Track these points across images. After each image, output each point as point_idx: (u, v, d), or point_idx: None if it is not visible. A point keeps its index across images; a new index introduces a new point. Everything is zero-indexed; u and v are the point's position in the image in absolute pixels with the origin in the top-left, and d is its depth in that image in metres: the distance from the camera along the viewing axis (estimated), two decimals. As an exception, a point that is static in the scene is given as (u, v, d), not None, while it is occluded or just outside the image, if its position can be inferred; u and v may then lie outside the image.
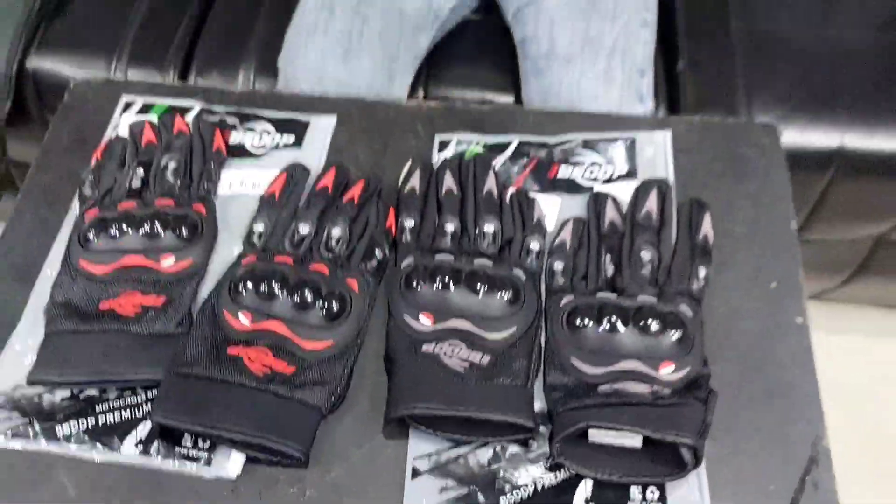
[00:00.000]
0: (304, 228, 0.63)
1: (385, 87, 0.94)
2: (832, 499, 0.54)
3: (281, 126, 0.73)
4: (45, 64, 1.13)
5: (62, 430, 0.56)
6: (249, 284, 0.59)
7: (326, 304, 0.59)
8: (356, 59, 0.92)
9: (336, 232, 0.63)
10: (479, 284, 0.60)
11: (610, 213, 0.65)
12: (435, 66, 1.09)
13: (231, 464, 0.55)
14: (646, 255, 0.62)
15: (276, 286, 0.59)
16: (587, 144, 0.71)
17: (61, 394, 0.58)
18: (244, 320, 0.58)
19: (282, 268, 0.60)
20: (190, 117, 0.73)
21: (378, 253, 0.63)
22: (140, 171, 0.66)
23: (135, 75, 1.09)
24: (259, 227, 0.64)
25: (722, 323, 0.62)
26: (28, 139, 1.20)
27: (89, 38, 1.14)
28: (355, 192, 0.66)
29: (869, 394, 1.28)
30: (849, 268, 1.26)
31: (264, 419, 0.54)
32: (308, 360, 0.57)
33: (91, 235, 0.62)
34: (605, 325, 0.58)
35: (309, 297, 0.58)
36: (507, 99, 1.06)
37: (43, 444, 0.56)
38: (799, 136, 1.04)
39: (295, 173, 0.68)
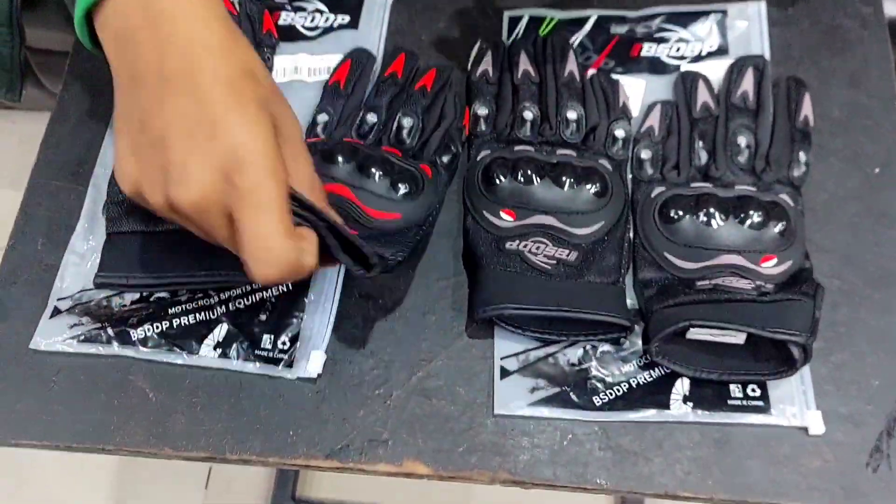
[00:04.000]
0: (372, 117, 0.59)
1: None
2: (942, 394, 0.52)
3: (334, 4, 0.67)
4: (59, -59, 1.04)
5: (136, 334, 0.54)
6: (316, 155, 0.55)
7: (397, 177, 0.55)
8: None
9: (407, 122, 0.58)
10: (563, 177, 0.56)
11: (701, 95, 0.60)
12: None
13: (311, 364, 0.53)
14: (742, 140, 0.58)
15: (339, 156, 0.55)
16: (672, 18, 0.65)
17: (130, 297, 0.56)
18: None
19: (349, 144, 0.56)
20: (234, -3, 0.67)
21: (452, 148, 0.59)
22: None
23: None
24: (323, 118, 0.60)
25: (821, 212, 0.58)
26: (44, 23, 1.14)
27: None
28: (427, 80, 0.60)
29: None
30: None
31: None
32: (373, 228, 0.54)
33: (145, 129, 0.58)
34: (702, 218, 0.54)
35: (377, 168, 0.55)
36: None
37: (117, 349, 0.54)
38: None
39: (360, 59, 0.63)
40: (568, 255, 0.54)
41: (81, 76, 0.65)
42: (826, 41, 0.64)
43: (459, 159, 0.59)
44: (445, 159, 0.58)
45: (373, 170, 0.55)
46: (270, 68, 0.63)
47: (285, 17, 0.66)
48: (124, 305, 0.55)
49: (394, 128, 0.58)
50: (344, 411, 0.52)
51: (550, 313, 0.52)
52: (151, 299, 0.55)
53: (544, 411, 0.52)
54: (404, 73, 0.61)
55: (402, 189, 0.55)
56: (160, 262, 0.54)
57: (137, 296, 0.56)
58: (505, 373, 0.53)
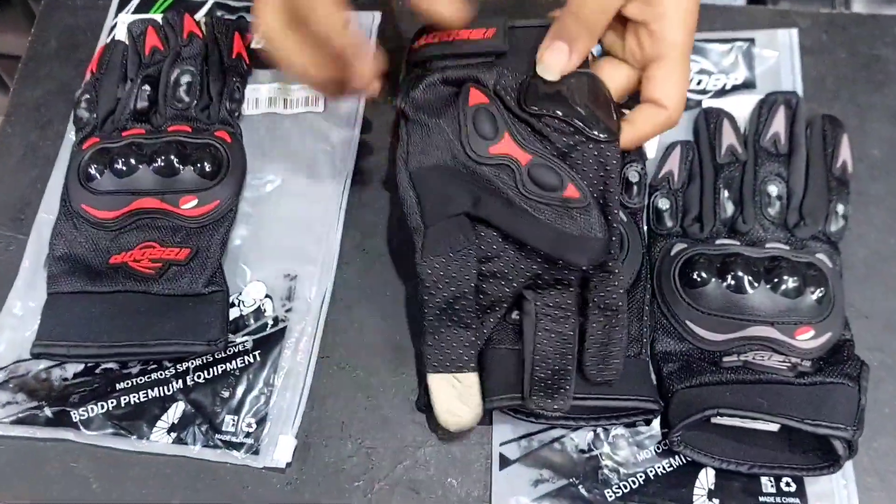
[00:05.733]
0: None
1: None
2: None
3: (314, 25, 0.59)
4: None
5: (78, 414, 0.47)
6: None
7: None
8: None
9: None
10: (572, 230, 0.49)
11: (727, 137, 0.53)
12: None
13: (279, 451, 0.46)
14: (773, 189, 0.51)
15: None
16: (694, 47, 0.57)
17: (73, 368, 0.49)
18: None
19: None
20: (201, 15, 0.59)
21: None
22: (146, 87, 0.54)
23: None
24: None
25: (861, 271, 0.52)
26: (11, 27, 1.07)
27: None
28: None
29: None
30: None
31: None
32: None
33: (93, 171, 0.51)
34: (730, 282, 0.47)
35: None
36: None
37: (56, 432, 0.47)
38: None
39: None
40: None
41: (27, 104, 0.58)
42: (864, 73, 0.58)
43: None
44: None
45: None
46: (240, 99, 0.56)
47: (259, 41, 0.59)
48: (66, 379, 0.48)
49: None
50: (318, 506, 0.46)
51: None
52: (97, 371, 0.48)
53: (549, 509, 0.45)
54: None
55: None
56: (108, 328, 0.47)
57: (81, 367, 0.48)
58: (504, 462, 0.46)
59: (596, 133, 0.41)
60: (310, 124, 0.56)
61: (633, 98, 0.46)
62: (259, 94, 0.57)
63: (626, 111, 0.45)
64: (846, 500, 0.45)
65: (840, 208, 0.51)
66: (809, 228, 0.50)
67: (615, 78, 0.45)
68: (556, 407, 0.41)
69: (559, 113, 0.41)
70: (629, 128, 0.43)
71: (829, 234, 0.50)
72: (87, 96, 0.54)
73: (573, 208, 0.41)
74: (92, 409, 0.47)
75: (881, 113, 0.57)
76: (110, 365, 0.48)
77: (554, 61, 0.41)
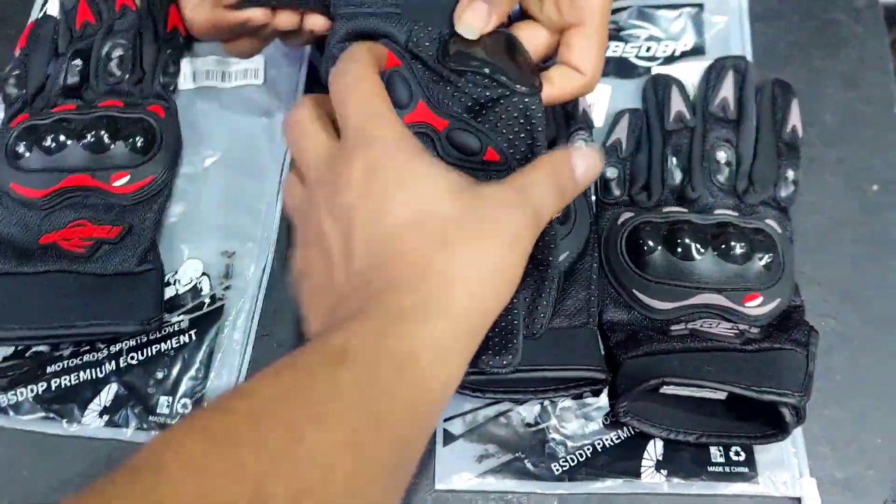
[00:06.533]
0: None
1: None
2: (955, 455, 0.45)
3: (254, -3, 0.58)
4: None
5: (6, 398, 0.45)
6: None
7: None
8: None
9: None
10: (517, 200, 0.47)
11: (675, 103, 0.52)
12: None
13: (220, 432, 0.44)
14: (722, 155, 0.50)
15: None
16: (641, 14, 0.56)
17: (2, 351, 0.47)
18: None
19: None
20: (137, -12, 0.57)
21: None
22: (78, 61, 0.52)
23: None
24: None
25: (813, 238, 0.51)
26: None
27: None
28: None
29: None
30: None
31: None
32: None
33: (21, 149, 0.49)
34: (678, 249, 0.46)
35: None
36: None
37: (-17, 417, 0.45)
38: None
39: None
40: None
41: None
42: (816, 38, 0.57)
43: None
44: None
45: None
46: (175, 73, 0.54)
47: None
48: (-6, 362, 0.47)
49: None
50: (256, 488, 0.44)
51: (509, 374, 0.43)
52: (27, 355, 0.47)
53: (494, 483, 0.44)
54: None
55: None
56: (37, 310, 0.46)
57: (11, 350, 0.47)
58: (449, 437, 0.45)
59: (519, 86, 0.39)
60: (249, 97, 0.54)
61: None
62: (196, 68, 0.55)
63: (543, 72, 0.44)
64: (796, 468, 0.44)
65: (790, 173, 0.50)
66: (759, 194, 0.49)
67: (532, 41, 0.43)
68: (504, 363, 0.40)
69: (481, 68, 0.39)
70: (548, 85, 0.42)
71: (779, 199, 0.49)
72: (17, 73, 0.52)
73: (494, 171, 0.40)
74: (21, 392, 0.46)
75: (835, 78, 0.56)
76: (41, 347, 0.47)
77: (473, 20, 0.40)
